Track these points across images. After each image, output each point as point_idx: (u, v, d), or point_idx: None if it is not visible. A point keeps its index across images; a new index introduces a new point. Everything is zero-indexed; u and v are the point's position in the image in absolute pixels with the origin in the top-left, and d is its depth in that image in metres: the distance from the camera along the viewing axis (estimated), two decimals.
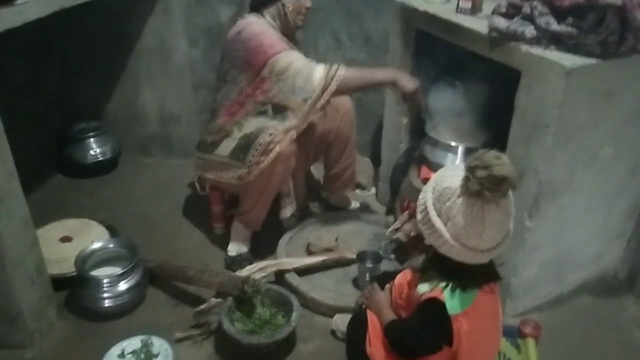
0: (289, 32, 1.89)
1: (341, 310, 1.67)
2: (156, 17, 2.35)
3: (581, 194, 1.57)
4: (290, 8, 1.82)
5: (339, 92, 1.73)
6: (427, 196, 1.09)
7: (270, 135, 1.74)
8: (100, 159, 2.51)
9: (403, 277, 1.34)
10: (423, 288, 1.15)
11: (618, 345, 1.66)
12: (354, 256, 1.83)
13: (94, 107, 2.62)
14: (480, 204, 1.00)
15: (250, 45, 1.74)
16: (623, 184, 1.65)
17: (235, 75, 1.81)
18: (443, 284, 1.10)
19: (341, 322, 1.60)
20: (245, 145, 1.78)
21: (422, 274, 1.17)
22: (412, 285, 1.24)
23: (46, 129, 2.48)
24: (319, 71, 1.71)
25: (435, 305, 1.10)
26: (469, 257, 1.07)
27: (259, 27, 1.78)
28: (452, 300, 1.09)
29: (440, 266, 1.12)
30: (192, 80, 2.58)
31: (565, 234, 1.64)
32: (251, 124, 1.82)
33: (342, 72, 1.71)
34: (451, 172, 1.08)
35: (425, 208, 1.08)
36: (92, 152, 2.49)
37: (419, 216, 1.12)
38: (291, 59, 1.72)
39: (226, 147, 1.83)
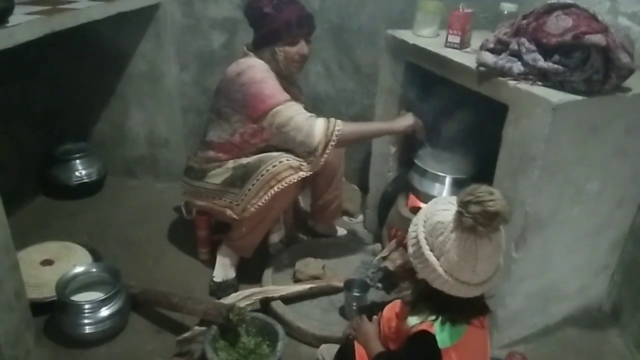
0: (286, 76, 1.87)
1: (327, 340, 1.65)
2: (148, 42, 2.36)
3: (567, 227, 1.59)
4: (282, 56, 1.80)
5: (337, 146, 1.74)
6: (418, 230, 1.09)
7: (274, 166, 1.72)
8: (86, 180, 2.48)
9: (392, 309, 1.33)
10: (413, 321, 1.14)
11: None
12: (341, 284, 1.82)
13: (81, 129, 2.61)
14: (473, 238, 1.01)
15: (249, 91, 1.72)
16: (608, 217, 1.67)
17: (230, 115, 1.80)
18: (433, 317, 1.10)
19: (327, 352, 1.58)
20: (244, 175, 1.76)
21: (412, 307, 1.17)
22: (401, 317, 1.23)
23: (31, 149, 2.45)
24: (318, 128, 1.70)
25: (425, 339, 1.09)
26: (462, 291, 1.07)
27: (260, 73, 1.75)
28: (442, 334, 1.08)
29: (431, 299, 1.11)
30: (181, 104, 2.59)
31: (551, 265, 1.65)
32: (249, 157, 1.82)
33: (341, 128, 1.72)
34: (442, 206, 1.07)
35: (418, 242, 1.08)
36: (77, 174, 2.46)
37: (410, 250, 1.11)
38: (291, 114, 1.71)
39: (219, 176, 1.82)
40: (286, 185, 1.71)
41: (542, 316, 1.77)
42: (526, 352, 1.62)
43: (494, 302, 1.59)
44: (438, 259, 1.05)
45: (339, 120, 1.75)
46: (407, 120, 1.81)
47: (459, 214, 1.00)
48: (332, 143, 1.71)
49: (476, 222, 0.98)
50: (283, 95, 1.74)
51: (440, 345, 1.07)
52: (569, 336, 1.80)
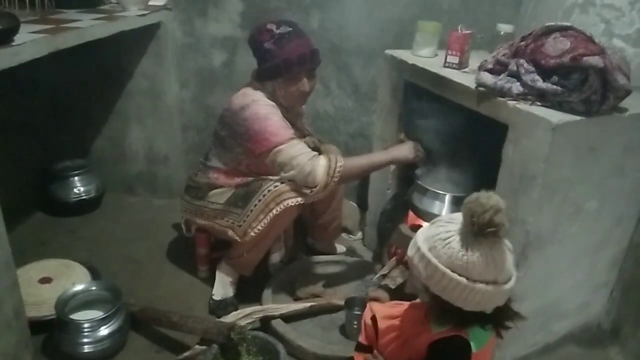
0: (288, 107, 1.86)
1: (328, 359, 1.64)
2: (148, 59, 2.38)
3: (567, 245, 1.60)
4: (282, 92, 1.78)
5: (340, 183, 1.75)
6: (438, 267, 1.07)
7: (276, 187, 1.72)
8: (84, 197, 2.47)
9: (391, 310, 1.33)
10: (439, 327, 1.15)
11: None
12: (342, 302, 1.82)
13: (80, 145, 2.61)
14: (492, 240, 1.04)
15: (253, 127, 1.71)
16: (607, 235, 1.69)
17: (233, 146, 1.80)
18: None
19: None
20: (245, 194, 1.77)
21: (438, 320, 1.16)
22: (416, 322, 1.23)
23: (29, 165, 2.45)
24: (321, 169, 1.68)
25: (456, 343, 1.11)
26: (500, 295, 1.09)
27: (264, 109, 1.73)
28: (475, 339, 1.11)
29: (460, 315, 1.11)
30: (181, 122, 2.60)
31: (552, 283, 1.66)
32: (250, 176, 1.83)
33: (342, 165, 1.70)
34: (445, 235, 1.08)
35: (443, 275, 1.07)
36: (75, 190, 2.46)
37: (438, 289, 1.09)
38: (293, 153, 1.69)
39: (221, 195, 1.83)
40: (285, 207, 1.71)
41: (543, 334, 1.78)
42: None
43: None
44: (496, 283, 1.07)
45: (340, 157, 1.73)
46: (408, 151, 1.83)
47: (480, 234, 1.03)
48: (335, 180, 1.70)
49: (493, 226, 1.01)
50: (286, 132, 1.72)
51: (474, 349, 1.10)
52: (569, 354, 1.80)
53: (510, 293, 1.12)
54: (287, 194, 1.71)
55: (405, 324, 1.27)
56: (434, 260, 1.08)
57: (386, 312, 1.34)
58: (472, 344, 1.10)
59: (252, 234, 1.75)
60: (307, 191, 1.71)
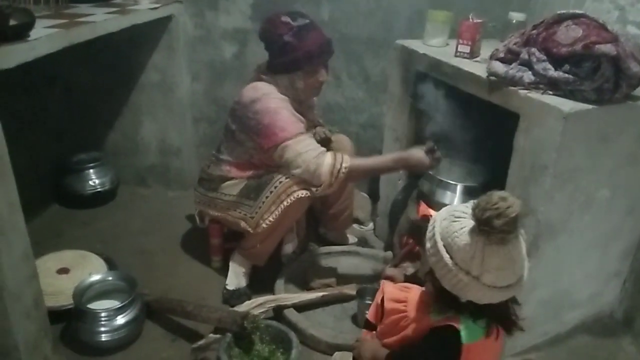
0: (302, 99, 1.87)
1: (340, 347, 1.66)
2: (160, 53, 2.40)
3: (578, 235, 1.60)
4: (302, 84, 1.79)
5: (346, 182, 1.73)
6: (444, 258, 1.07)
7: (287, 178, 1.73)
8: (99, 189, 2.51)
9: (399, 292, 1.34)
10: (437, 316, 1.16)
11: None
12: (354, 292, 1.84)
13: (94, 139, 2.64)
14: (504, 245, 1.02)
15: (263, 121, 1.72)
16: (619, 225, 1.68)
17: (244, 140, 1.82)
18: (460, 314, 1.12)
19: None
20: (257, 186, 1.79)
21: (439, 310, 1.17)
22: (421, 310, 1.24)
23: (45, 158, 2.49)
24: (325, 168, 1.68)
25: (449, 332, 1.11)
26: (507, 295, 1.08)
27: (274, 103, 1.74)
28: (467, 330, 1.10)
29: (462, 307, 1.12)
30: (193, 114, 2.62)
31: (563, 273, 1.66)
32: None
33: (348, 165, 1.69)
34: (458, 226, 1.06)
35: (449, 269, 1.06)
36: (90, 183, 2.50)
37: (445, 282, 1.09)
38: (300, 149, 1.69)
39: (233, 187, 1.85)
40: (295, 199, 1.72)
41: (554, 324, 1.78)
42: None
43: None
44: (479, 279, 1.04)
45: (347, 157, 1.72)
46: (423, 157, 1.72)
47: (485, 232, 1.00)
48: (340, 179, 1.69)
49: (504, 233, 0.99)
50: (295, 128, 1.72)
51: (464, 340, 1.09)
52: (581, 344, 1.80)
53: (510, 295, 1.10)
54: (298, 186, 1.72)
55: (409, 309, 1.28)
56: (442, 250, 1.08)
57: (394, 294, 1.35)
58: (462, 334, 1.10)
59: (264, 225, 1.77)
60: (313, 188, 1.72)
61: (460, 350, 1.10)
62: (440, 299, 1.15)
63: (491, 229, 0.99)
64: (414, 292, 1.32)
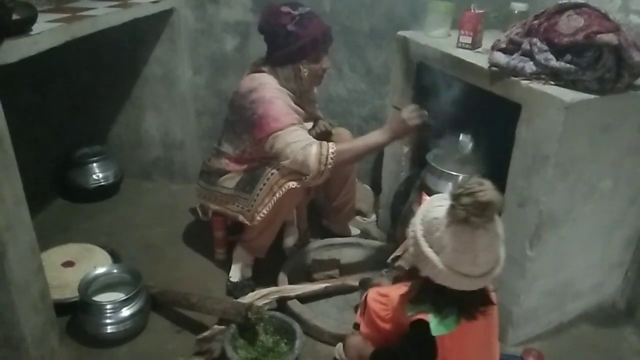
0: (304, 90, 1.88)
1: (343, 338, 1.67)
2: (162, 46, 2.40)
3: (581, 225, 1.60)
4: (307, 73, 1.79)
5: (337, 167, 1.71)
6: (416, 229, 1.11)
7: (279, 169, 1.73)
8: (103, 183, 2.52)
9: (382, 292, 1.40)
10: (411, 311, 1.19)
11: None
12: (356, 283, 1.85)
13: (98, 132, 2.65)
14: (469, 230, 1.03)
15: (258, 111, 1.73)
16: (621, 214, 1.68)
17: (241, 131, 1.82)
18: (432, 308, 1.14)
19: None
20: (252, 178, 1.80)
21: (415, 301, 1.20)
22: (401, 306, 1.27)
23: (49, 153, 2.50)
24: (312, 157, 1.66)
25: (422, 327, 1.13)
26: (465, 284, 1.09)
27: (270, 93, 1.74)
28: (436, 322, 1.12)
29: (435, 295, 1.14)
30: (195, 107, 2.63)
31: (565, 263, 1.67)
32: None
33: (334, 151, 1.67)
34: (437, 203, 1.11)
35: (417, 241, 1.10)
36: (94, 177, 2.51)
37: (411, 250, 1.14)
38: (289, 140, 1.68)
39: (231, 180, 1.86)
40: (287, 190, 1.73)
41: (557, 314, 1.79)
42: (541, 349, 1.64)
43: (509, 300, 1.63)
44: (438, 255, 1.07)
45: (332, 144, 1.71)
46: (406, 119, 1.69)
47: (452, 207, 1.03)
48: (329, 167, 1.68)
49: (469, 214, 1.00)
50: (287, 119, 1.72)
51: (434, 332, 1.11)
52: (583, 333, 1.81)
53: (468, 286, 1.10)
54: (289, 177, 1.73)
55: (389, 307, 1.34)
56: (419, 234, 1.10)
57: (377, 295, 1.41)
58: (431, 326, 1.11)
59: (259, 217, 1.78)
60: (303, 177, 1.72)
61: (434, 342, 1.12)
62: (424, 294, 1.16)
63: (458, 204, 1.01)
64: (395, 291, 1.35)
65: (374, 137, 1.75)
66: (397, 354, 1.22)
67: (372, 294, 1.44)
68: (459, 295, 1.10)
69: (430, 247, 1.08)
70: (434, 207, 1.10)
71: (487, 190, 1.00)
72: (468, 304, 1.13)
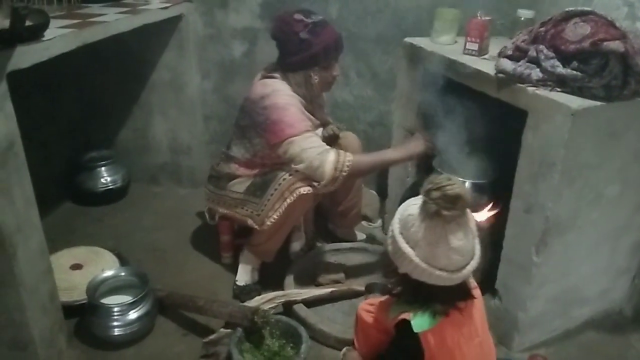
0: (315, 96, 1.89)
1: (349, 343, 1.67)
2: (170, 51, 2.43)
3: (587, 231, 1.60)
4: (317, 80, 1.81)
5: (350, 178, 1.74)
6: (394, 227, 1.17)
7: (291, 175, 1.75)
8: (111, 187, 2.54)
9: (370, 302, 1.47)
10: (394, 313, 1.21)
11: None
12: (362, 288, 1.85)
13: (106, 137, 2.68)
14: (441, 224, 1.09)
15: (271, 116, 1.74)
16: (628, 221, 1.68)
17: (253, 136, 1.83)
18: (413, 307, 1.17)
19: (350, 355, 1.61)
20: (263, 183, 1.81)
21: (395, 301, 1.25)
22: (384, 310, 1.31)
23: (58, 156, 2.53)
24: (328, 164, 1.69)
25: (405, 326, 1.16)
26: (441, 279, 1.13)
27: (283, 99, 1.75)
28: (417, 319, 1.15)
29: (414, 292, 1.18)
30: (203, 112, 2.65)
31: (572, 269, 1.66)
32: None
33: (351, 161, 1.70)
34: (413, 202, 1.17)
35: (394, 238, 1.16)
36: (102, 181, 2.53)
37: (389, 248, 1.19)
38: (304, 146, 1.70)
39: (240, 185, 1.87)
40: (298, 195, 1.74)
41: (563, 320, 1.78)
42: (547, 356, 1.63)
43: (515, 306, 1.63)
44: (414, 249, 1.12)
45: (349, 154, 1.73)
46: (419, 146, 1.80)
47: (424, 202, 1.09)
48: (343, 175, 1.70)
49: (439, 207, 1.06)
50: (302, 125, 1.74)
51: (415, 329, 1.14)
52: (590, 340, 1.80)
53: (444, 281, 1.14)
54: (301, 182, 1.74)
55: (376, 313, 1.38)
56: (396, 232, 1.15)
57: (366, 305, 1.46)
58: (412, 323, 1.14)
59: (269, 222, 1.79)
60: (316, 184, 1.73)
61: (417, 339, 1.15)
62: (404, 292, 1.21)
63: (429, 199, 1.08)
64: (382, 300, 1.39)
65: (390, 153, 1.85)
66: (385, 358, 1.25)
67: (362, 305, 1.49)
68: (437, 290, 1.15)
69: (407, 242, 1.13)
70: (410, 205, 1.16)
71: (454, 184, 1.08)
72: (447, 300, 1.17)
